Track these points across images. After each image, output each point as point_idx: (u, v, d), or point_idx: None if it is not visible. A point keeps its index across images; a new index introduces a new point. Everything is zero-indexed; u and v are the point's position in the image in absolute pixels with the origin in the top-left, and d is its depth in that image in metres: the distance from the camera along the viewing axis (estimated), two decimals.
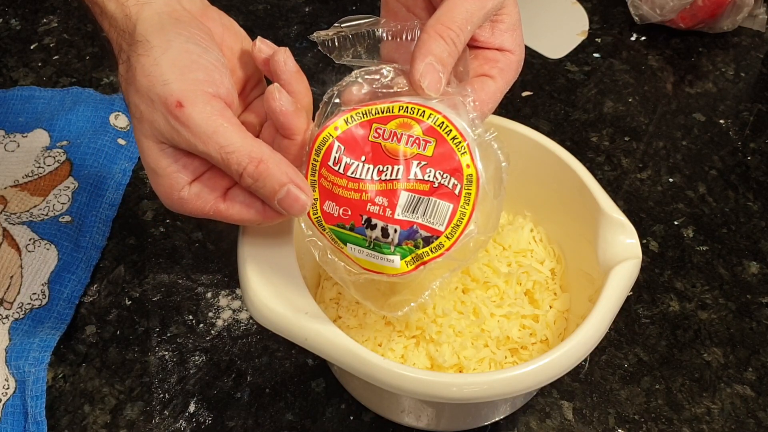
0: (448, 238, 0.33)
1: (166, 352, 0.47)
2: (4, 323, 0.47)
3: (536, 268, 0.43)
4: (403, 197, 0.33)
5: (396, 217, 0.33)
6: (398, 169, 0.33)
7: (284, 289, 0.35)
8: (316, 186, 0.34)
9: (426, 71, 0.35)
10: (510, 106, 0.61)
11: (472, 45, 0.39)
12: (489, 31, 0.39)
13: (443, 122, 0.33)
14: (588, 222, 0.39)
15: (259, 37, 0.36)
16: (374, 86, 0.36)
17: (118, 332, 0.47)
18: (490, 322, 0.41)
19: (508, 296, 0.42)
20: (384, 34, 0.37)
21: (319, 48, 0.36)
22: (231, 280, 0.50)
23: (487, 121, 0.43)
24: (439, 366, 0.39)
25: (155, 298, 0.49)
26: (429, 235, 0.33)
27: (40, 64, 0.63)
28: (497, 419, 0.43)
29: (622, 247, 0.37)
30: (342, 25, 0.36)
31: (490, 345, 0.40)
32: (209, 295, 0.49)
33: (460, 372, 0.39)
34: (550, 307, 0.42)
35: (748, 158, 0.58)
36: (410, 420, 0.42)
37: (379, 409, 0.43)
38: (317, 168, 0.34)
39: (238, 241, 0.37)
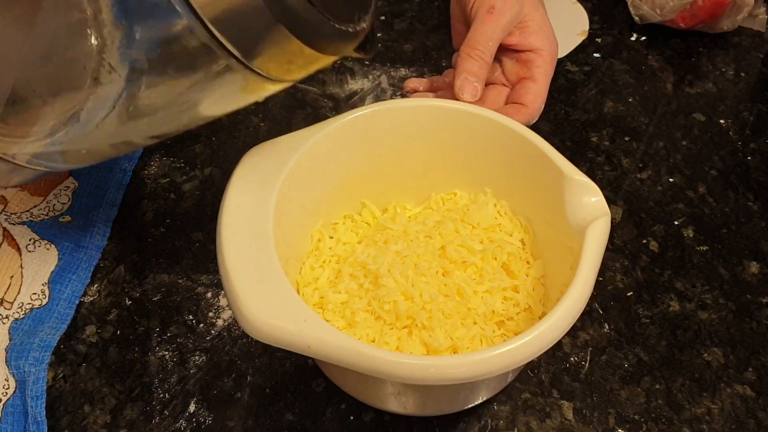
0: None
1: (166, 352, 0.47)
2: (4, 323, 0.47)
3: (507, 240, 0.44)
4: None
5: None
6: None
7: (277, 300, 0.34)
8: None
9: (463, 84, 0.47)
10: None
11: (511, 49, 0.51)
12: (518, 36, 0.51)
13: None
14: (552, 188, 0.40)
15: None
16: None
17: (118, 332, 0.47)
18: (474, 300, 0.41)
19: (487, 272, 0.43)
20: None
21: None
22: None
23: (444, 106, 0.45)
24: (435, 350, 0.39)
25: (155, 298, 0.49)
26: None
27: None
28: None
29: (590, 207, 0.38)
30: None
31: (478, 322, 0.41)
32: (209, 295, 0.49)
33: (455, 353, 0.39)
34: (527, 275, 0.43)
35: (748, 158, 0.58)
36: (412, 409, 0.42)
37: (376, 403, 0.43)
38: None
39: (218, 257, 0.36)
